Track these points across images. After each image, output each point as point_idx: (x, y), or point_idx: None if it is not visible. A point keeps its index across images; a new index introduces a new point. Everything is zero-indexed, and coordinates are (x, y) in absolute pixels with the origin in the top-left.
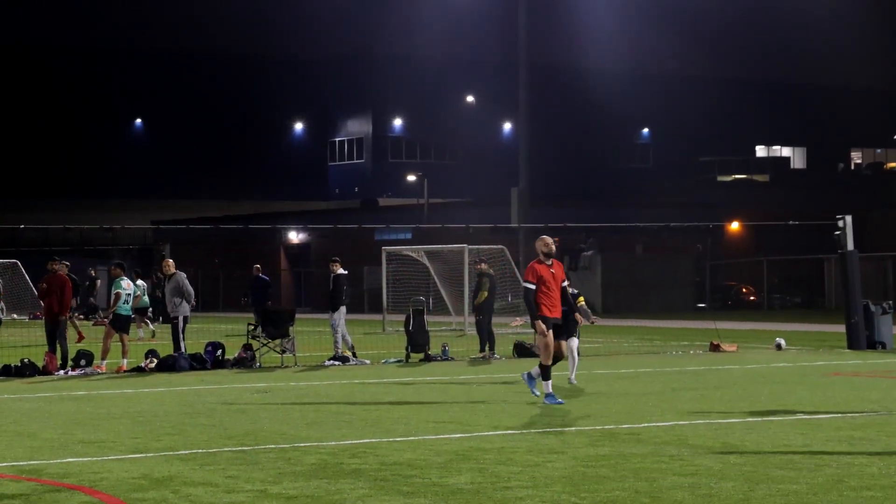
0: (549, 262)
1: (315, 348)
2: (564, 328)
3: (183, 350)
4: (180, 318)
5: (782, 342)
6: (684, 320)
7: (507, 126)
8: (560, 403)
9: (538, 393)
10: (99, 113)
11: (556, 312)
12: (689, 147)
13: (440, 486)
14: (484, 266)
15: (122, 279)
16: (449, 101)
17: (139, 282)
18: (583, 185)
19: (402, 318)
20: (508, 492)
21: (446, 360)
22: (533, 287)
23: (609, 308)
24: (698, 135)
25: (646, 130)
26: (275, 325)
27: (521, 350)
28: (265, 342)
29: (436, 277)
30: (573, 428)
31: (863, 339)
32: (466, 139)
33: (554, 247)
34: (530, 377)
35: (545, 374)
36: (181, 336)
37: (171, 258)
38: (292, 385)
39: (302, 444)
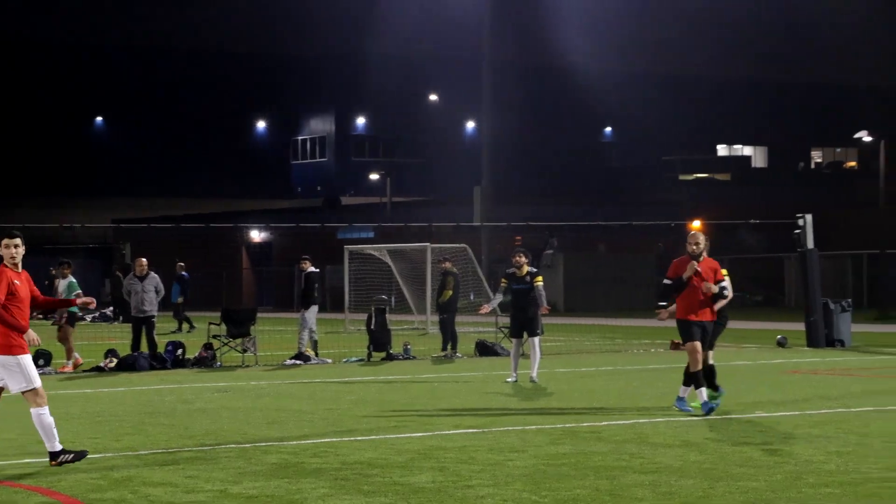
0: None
1: (276, 347)
2: (527, 326)
3: (153, 350)
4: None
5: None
6: (646, 319)
7: (471, 125)
8: (713, 407)
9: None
10: (59, 110)
11: (701, 315)
12: (651, 146)
13: (401, 484)
14: (448, 265)
15: (70, 277)
16: (412, 100)
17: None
18: (546, 184)
19: (364, 316)
20: (469, 490)
21: (408, 358)
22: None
23: (571, 306)
24: (661, 134)
25: (609, 129)
26: (236, 324)
27: (483, 349)
28: (226, 341)
29: (398, 276)
30: (534, 426)
31: (822, 337)
32: (429, 138)
33: (702, 246)
34: (680, 399)
35: (696, 381)
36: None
37: (138, 257)
38: (253, 384)
39: (263, 444)
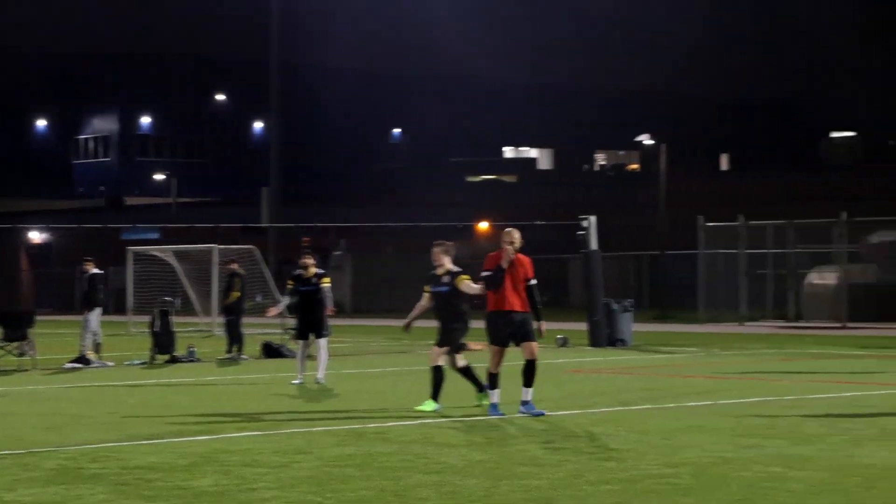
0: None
1: (56, 350)
2: (314, 327)
3: None
4: None
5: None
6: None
7: (259, 125)
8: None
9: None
10: None
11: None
12: (439, 148)
13: (184, 489)
14: (234, 266)
15: None
16: (198, 100)
17: None
18: (334, 185)
19: (148, 318)
20: (254, 493)
21: (193, 361)
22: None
23: (359, 308)
24: (448, 136)
25: (397, 131)
26: (13, 326)
27: (270, 350)
28: (2, 345)
29: (183, 278)
30: (320, 428)
31: (604, 336)
32: (216, 138)
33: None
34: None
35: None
36: None
37: None
38: (31, 389)
39: (40, 450)
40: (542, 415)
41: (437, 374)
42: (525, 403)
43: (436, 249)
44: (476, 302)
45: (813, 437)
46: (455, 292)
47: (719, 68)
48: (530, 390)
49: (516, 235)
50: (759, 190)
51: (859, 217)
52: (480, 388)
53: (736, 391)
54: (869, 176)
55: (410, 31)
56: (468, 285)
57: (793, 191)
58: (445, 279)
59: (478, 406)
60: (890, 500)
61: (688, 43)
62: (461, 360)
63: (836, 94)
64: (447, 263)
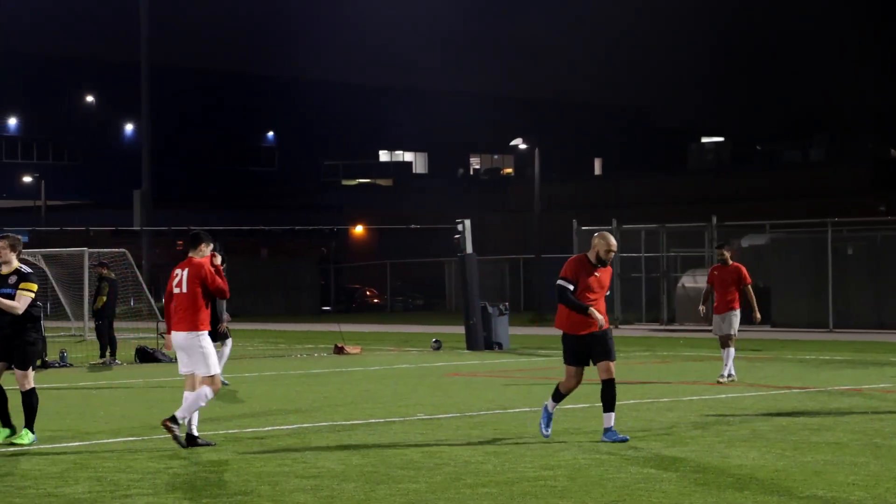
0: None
1: None
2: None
3: None
4: None
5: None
6: (309, 323)
7: (130, 127)
8: (624, 440)
9: (547, 433)
10: None
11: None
12: (313, 151)
13: (56, 496)
14: (104, 270)
15: None
16: (67, 101)
17: None
18: (207, 188)
19: None
20: (127, 500)
21: (65, 366)
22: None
23: (234, 312)
24: (322, 138)
25: (271, 134)
26: None
27: (144, 355)
28: None
29: (54, 282)
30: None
31: (481, 339)
32: (86, 140)
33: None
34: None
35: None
36: None
37: None
38: None
39: None
40: (626, 440)
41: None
42: (608, 431)
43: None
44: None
45: (687, 438)
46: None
47: (592, 73)
48: (612, 415)
49: (613, 244)
50: (632, 194)
51: (729, 221)
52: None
53: None
54: (738, 180)
55: (284, 33)
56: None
57: (664, 195)
58: (11, 280)
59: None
60: (761, 500)
61: (561, 48)
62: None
63: (706, 100)
64: (14, 261)
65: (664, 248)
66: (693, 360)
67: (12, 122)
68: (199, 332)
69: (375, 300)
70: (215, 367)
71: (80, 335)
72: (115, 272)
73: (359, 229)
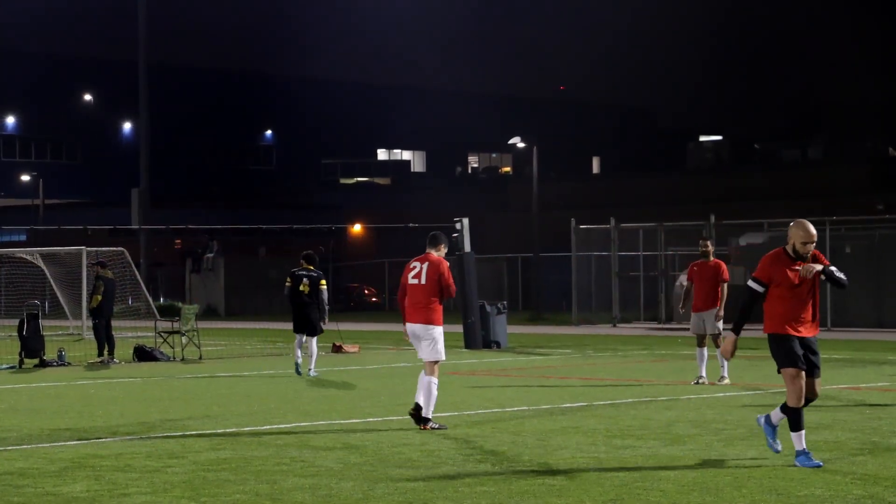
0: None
1: None
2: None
3: None
4: None
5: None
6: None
7: (128, 126)
8: (817, 465)
9: (779, 448)
10: None
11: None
12: (311, 149)
13: (54, 495)
14: (101, 269)
15: None
16: (66, 100)
17: None
18: (205, 187)
19: (16, 322)
20: (126, 498)
21: (63, 365)
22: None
23: (232, 310)
24: (321, 137)
25: (269, 132)
26: None
27: (142, 354)
28: None
29: (52, 280)
30: (194, 432)
31: (479, 338)
32: (85, 139)
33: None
34: (769, 422)
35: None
36: None
37: None
38: None
39: None
40: (820, 465)
41: None
42: (801, 454)
43: None
44: None
45: (685, 437)
46: None
47: (590, 72)
48: (801, 434)
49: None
50: (631, 192)
51: (727, 220)
52: None
53: (610, 393)
54: (736, 179)
55: (283, 32)
56: None
57: (663, 193)
58: None
59: None
60: (759, 498)
61: (559, 47)
62: None
63: (704, 99)
64: None
65: (662, 246)
66: (691, 359)
67: (10, 120)
68: (434, 326)
69: (374, 299)
70: (441, 354)
71: (79, 334)
72: (113, 271)
73: (357, 228)
